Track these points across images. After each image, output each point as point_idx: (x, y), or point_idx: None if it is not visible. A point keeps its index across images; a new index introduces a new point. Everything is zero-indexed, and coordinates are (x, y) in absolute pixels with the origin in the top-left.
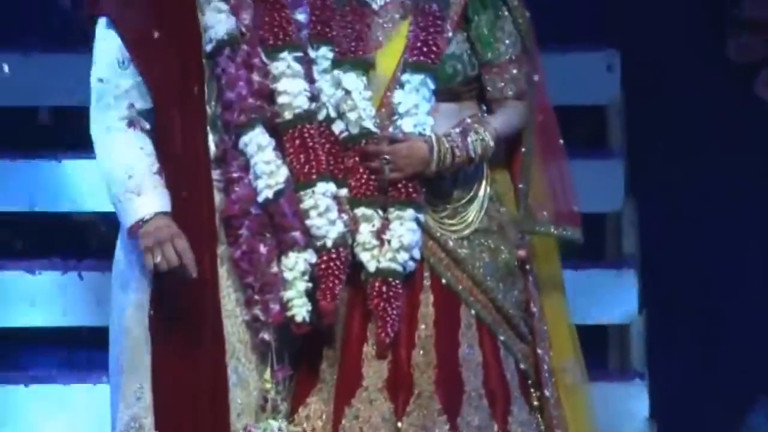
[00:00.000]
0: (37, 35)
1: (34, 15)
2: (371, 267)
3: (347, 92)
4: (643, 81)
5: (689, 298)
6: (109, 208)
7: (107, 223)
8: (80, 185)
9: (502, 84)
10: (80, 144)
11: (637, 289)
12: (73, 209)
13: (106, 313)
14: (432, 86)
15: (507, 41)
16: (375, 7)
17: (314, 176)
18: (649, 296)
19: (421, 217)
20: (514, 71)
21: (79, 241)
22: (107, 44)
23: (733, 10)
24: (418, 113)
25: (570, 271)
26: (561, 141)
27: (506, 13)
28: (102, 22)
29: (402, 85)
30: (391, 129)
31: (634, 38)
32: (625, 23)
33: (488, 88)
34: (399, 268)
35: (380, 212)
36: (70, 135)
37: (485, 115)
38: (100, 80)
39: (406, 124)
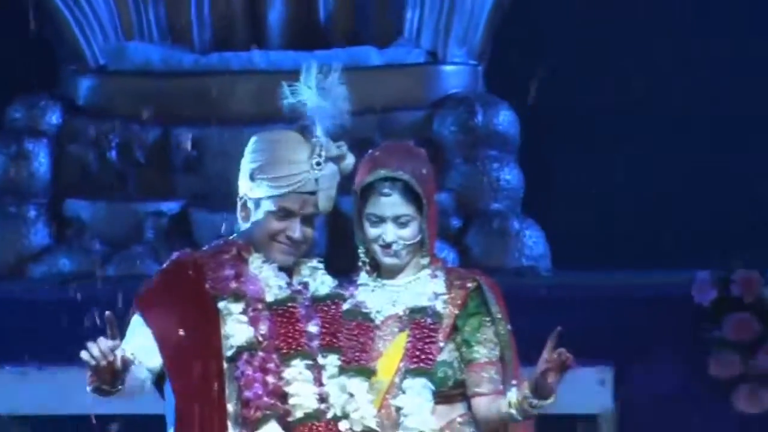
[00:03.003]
0: None
1: None
2: None
3: (351, 395)
4: (633, 393)
5: None
6: None
7: None
8: None
9: (479, 381)
10: None
11: None
12: None
13: None
14: (432, 388)
15: (488, 345)
16: (377, 322)
17: None
18: None
19: None
20: (492, 371)
21: None
22: (139, 331)
23: (714, 331)
24: (422, 413)
25: None
26: None
27: (489, 323)
28: (136, 318)
29: (404, 391)
30: None
31: (626, 355)
32: (618, 342)
33: (467, 385)
34: None
35: None
36: None
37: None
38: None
39: (410, 423)
